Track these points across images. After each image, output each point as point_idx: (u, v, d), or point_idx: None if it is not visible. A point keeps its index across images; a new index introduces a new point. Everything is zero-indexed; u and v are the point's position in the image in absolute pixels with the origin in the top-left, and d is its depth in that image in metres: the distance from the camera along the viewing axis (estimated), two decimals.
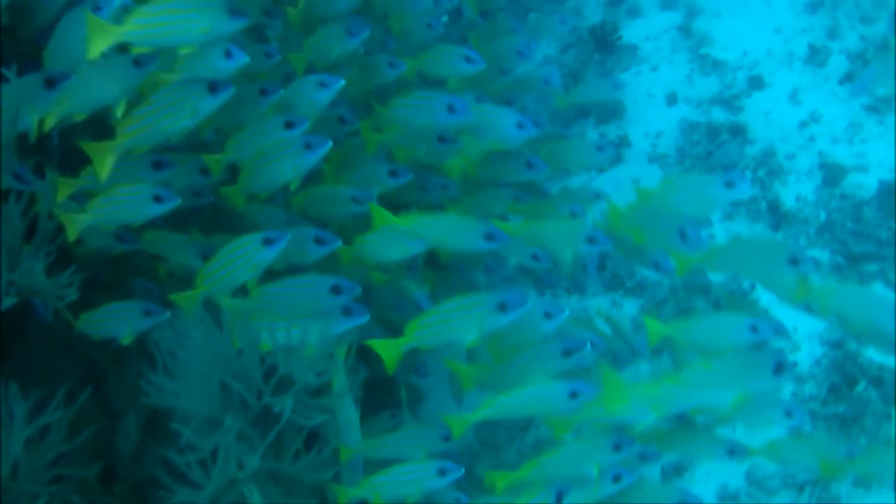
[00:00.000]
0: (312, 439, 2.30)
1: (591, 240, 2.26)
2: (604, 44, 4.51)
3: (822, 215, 3.64)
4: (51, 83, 2.05)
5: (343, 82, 2.42)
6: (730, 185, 2.22)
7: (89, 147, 2.09)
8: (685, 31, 4.54)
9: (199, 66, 2.15)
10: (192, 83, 2.08)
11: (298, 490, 2.30)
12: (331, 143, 2.27)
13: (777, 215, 3.68)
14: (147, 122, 2.07)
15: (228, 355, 2.23)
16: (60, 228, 2.14)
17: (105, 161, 2.08)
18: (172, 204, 2.14)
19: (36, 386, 2.25)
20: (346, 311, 2.17)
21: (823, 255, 3.51)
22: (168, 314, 2.23)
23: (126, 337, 2.25)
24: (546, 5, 4.88)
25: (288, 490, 2.29)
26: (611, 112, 4.20)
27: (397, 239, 2.30)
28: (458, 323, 2.08)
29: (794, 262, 2.00)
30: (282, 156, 2.26)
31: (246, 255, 2.15)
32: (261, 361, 2.21)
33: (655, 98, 4.28)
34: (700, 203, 2.26)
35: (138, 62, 2.04)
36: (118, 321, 2.25)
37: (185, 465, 2.18)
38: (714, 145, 4.00)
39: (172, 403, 2.23)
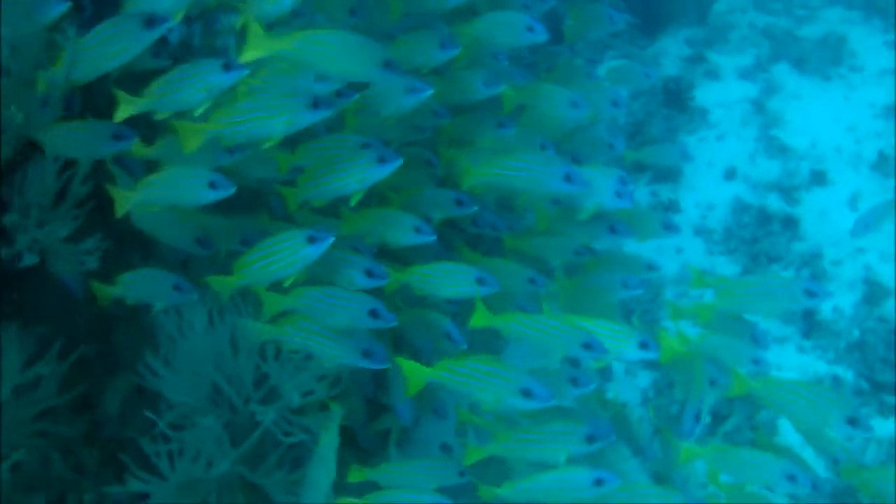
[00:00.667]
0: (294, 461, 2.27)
1: (642, 346, 2.18)
2: (675, 100, 4.42)
3: (856, 333, 3.56)
4: (150, 23, 1.97)
5: (431, 91, 2.31)
6: (811, 294, 2.17)
7: (181, 126, 2.03)
8: (759, 106, 4.44)
9: (287, 81, 2.07)
10: (295, 95, 2.02)
11: None
12: (401, 161, 2.18)
13: (810, 322, 3.59)
14: (243, 119, 2.02)
15: (225, 355, 2.19)
16: (91, 195, 2.08)
17: (193, 141, 2.03)
18: (226, 193, 2.07)
19: (42, 326, 2.20)
20: (367, 354, 2.10)
21: (848, 375, 3.42)
22: (196, 295, 2.17)
23: (156, 308, 2.20)
24: (625, 47, 4.79)
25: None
26: (667, 173, 4.11)
27: (454, 276, 2.24)
28: (486, 384, 2.03)
29: (851, 422, 1.93)
30: (350, 165, 2.18)
31: (288, 251, 2.07)
32: (255, 368, 2.18)
33: (714, 169, 4.19)
34: (774, 308, 2.21)
35: (227, 67, 1.97)
36: (152, 288, 2.19)
37: (155, 453, 2.14)
38: (763, 232, 3.91)
39: (161, 389, 2.18)
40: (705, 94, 4.50)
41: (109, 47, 1.97)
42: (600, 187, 2.38)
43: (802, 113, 4.43)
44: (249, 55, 2.00)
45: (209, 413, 2.19)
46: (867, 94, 4.49)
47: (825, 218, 3.97)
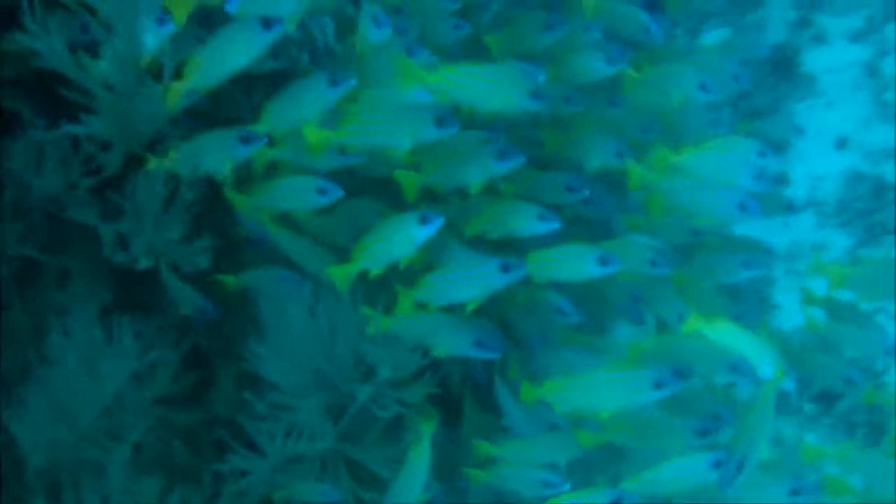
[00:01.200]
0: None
1: (733, 368, 2.10)
2: (781, 67, 4.26)
3: None
4: (267, 25, 2.05)
5: (543, 77, 2.25)
6: None
7: (307, 131, 2.11)
8: (872, 69, 4.25)
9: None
10: (422, 110, 2.08)
11: (369, 482, 2.32)
12: (523, 160, 2.18)
13: None
14: (369, 130, 2.10)
15: (325, 338, 2.28)
16: (198, 198, 2.18)
17: (318, 147, 2.12)
18: (335, 197, 2.15)
19: (158, 318, 2.31)
20: (479, 343, 2.12)
21: None
22: (308, 286, 2.26)
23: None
24: (726, 15, 4.63)
25: (359, 479, 2.32)
26: (774, 144, 3.98)
27: (573, 257, 2.23)
28: (605, 393, 2.02)
29: None
30: (467, 159, 2.18)
31: (401, 233, 2.12)
32: (354, 349, 2.26)
33: (824, 138, 4.04)
34: None
35: (334, 82, 2.03)
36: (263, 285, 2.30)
37: (256, 430, 2.24)
38: (879, 203, 3.76)
39: (264, 372, 2.28)
40: (814, 60, 4.32)
41: (228, 52, 2.05)
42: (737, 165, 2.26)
43: None
44: (402, 86, 2.08)
45: (311, 394, 2.29)
46: None
47: None
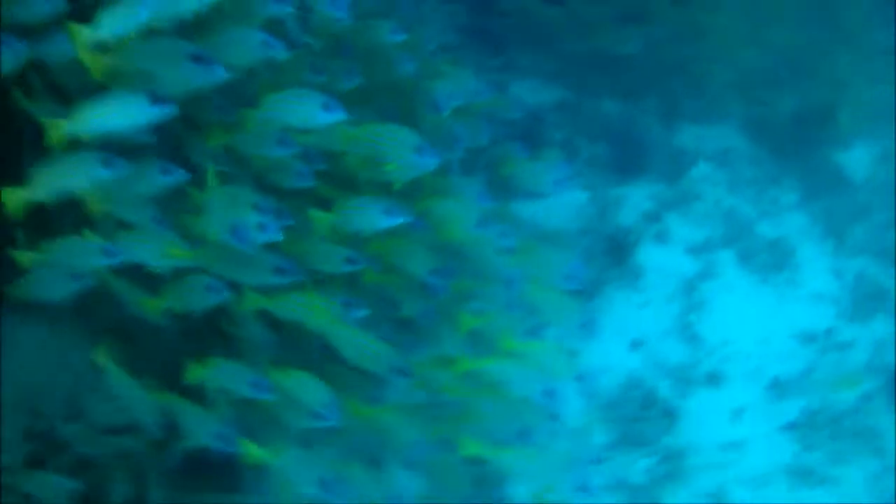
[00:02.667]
0: None
1: None
2: (616, 251, 4.46)
3: None
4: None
5: None
6: None
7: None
8: (690, 287, 4.51)
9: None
10: None
11: None
12: None
13: None
14: None
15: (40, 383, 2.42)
16: None
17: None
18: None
19: None
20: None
21: None
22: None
23: None
24: (594, 177, 4.82)
25: None
26: (577, 324, 4.15)
27: None
28: None
29: None
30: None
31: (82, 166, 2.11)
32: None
33: (623, 335, 4.25)
34: None
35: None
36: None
37: None
38: (642, 414, 3.98)
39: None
40: (647, 256, 4.55)
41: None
42: None
43: (727, 307, 4.50)
44: None
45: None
46: (794, 312, 4.59)
47: (702, 423, 4.05)
